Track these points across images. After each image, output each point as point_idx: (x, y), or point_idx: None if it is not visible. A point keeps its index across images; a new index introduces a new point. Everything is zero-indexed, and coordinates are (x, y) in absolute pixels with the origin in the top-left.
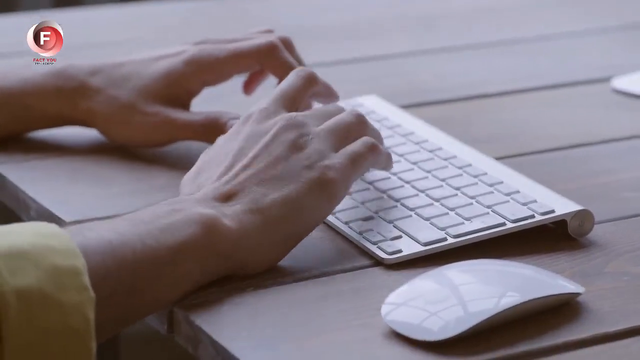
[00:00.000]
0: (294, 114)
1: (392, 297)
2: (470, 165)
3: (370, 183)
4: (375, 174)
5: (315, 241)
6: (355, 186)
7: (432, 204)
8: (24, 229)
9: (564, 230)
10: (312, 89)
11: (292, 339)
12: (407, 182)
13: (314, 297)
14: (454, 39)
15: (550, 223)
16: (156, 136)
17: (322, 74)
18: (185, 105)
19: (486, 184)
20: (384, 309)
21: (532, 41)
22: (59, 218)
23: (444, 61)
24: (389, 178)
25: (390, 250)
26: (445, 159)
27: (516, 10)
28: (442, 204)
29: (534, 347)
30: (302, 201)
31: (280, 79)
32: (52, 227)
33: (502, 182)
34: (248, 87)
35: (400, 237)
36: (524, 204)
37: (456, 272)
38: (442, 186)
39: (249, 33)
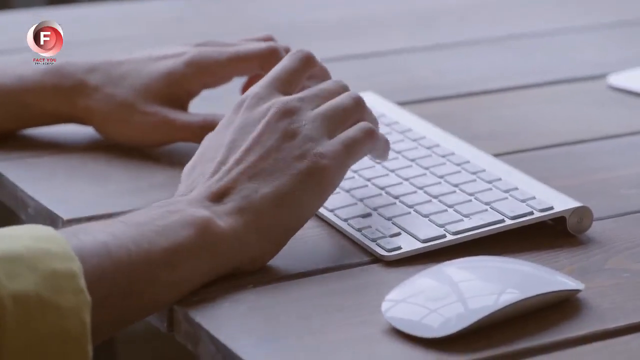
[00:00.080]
0: (286, 98)
1: (392, 294)
2: (468, 162)
3: (369, 180)
4: (373, 170)
5: (314, 238)
6: (354, 183)
7: (430, 201)
8: (20, 233)
9: (563, 227)
10: (308, 70)
11: (293, 336)
12: (406, 179)
13: (313, 294)
14: (451, 35)
15: (549, 220)
16: (154, 136)
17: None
18: (183, 107)
19: (485, 180)
20: (384, 306)
21: (528, 38)
22: (57, 216)
23: (441, 58)
24: (387, 175)
25: (389, 247)
26: (444, 156)
27: (512, 6)
28: (440, 201)
29: (535, 344)
30: (294, 194)
31: None
32: (47, 230)
33: (500, 179)
34: (247, 89)
35: (399, 234)
36: (523, 201)
37: (456, 269)
38: (440, 183)
39: (249, 38)
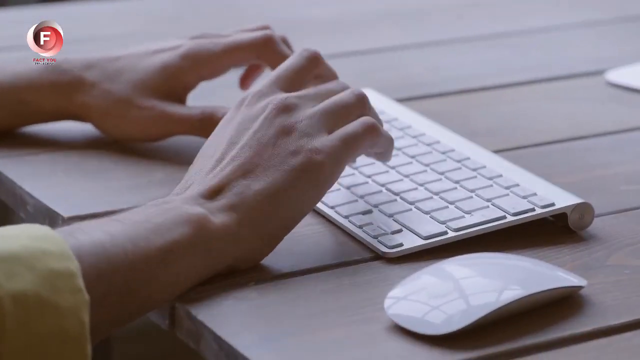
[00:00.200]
0: (284, 95)
1: (395, 291)
2: (468, 158)
3: (369, 176)
4: (374, 167)
5: (314, 235)
6: (354, 180)
7: (431, 198)
8: (17, 232)
9: (564, 223)
10: (315, 69)
11: (295, 334)
12: (406, 176)
13: (315, 292)
14: (446, 32)
15: (550, 216)
16: (152, 130)
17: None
18: (181, 100)
19: (485, 177)
20: (387, 303)
21: (525, 34)
22: (57, 214)
23: (437, 55)
24: (388, 172)
25: (390, 244)
26: (444, 153)
27: (508, 3)
28: (441, 198)
29: (539, 341)
30: (288, 190)
31: None
32: (44, 229)
33: (501, 176)
34: (244, 82)
35: (400, 230)
36: (524, 197)
37: (459, 266)
38: (441, 179)
39: (244, 28)
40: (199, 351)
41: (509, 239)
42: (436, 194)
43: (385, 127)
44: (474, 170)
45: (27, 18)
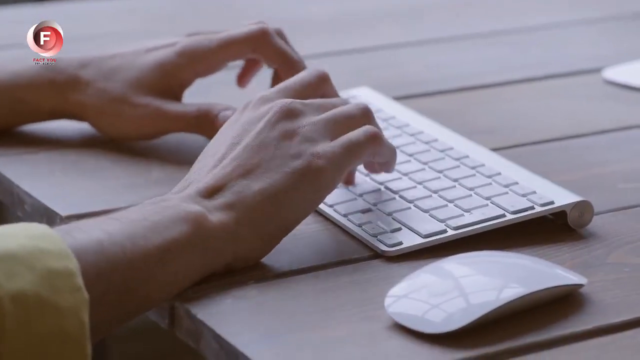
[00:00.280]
0: (289, 100)
1: (395, 290)
2: (467, 156)
3: (367, 175)
4: None
5: (314, 234)
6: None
7: (430, 196)
8: (15, 231)
9: (564, 222)
10: (322, 88)
11: (296, 333)
12: (405, 174)
13: (315, 290)
14: (443, 30)
15: (550, 214)
16: (148, 128)
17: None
18: (177, 98)
19: (484, 175)
20: (387, 301)
21: (521, 32)
22: (55, 212)
23: (434, 52)
24: None
25: (390, 242)
26: (442, 151)
27: (505, 0)
28: (440, 196)
29: (540, 339)
30: (287, 192)
31: (273, 64)
32: (42, 227)
33: (500, 174)
34: (242, 80)
35: (400, 229)
36: (523, 195)
37: (459, 264)
38: (439, 178)
39: (241, 25)
40: (199, 350)
41: (508, 237)
42: (435, 192)
43: (383, 125)
44: (473, 168)
45: (24, 17)
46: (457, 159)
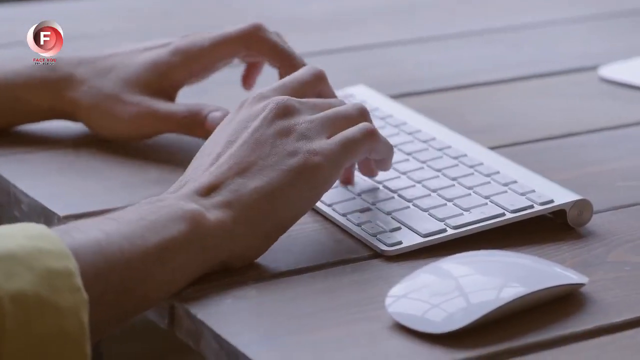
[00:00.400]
0: (285, 97)
1: (396, 289)
2: (465, 155)
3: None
4: None
5: (313, 233)
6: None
7: (429, 195)
8: (13, 231)
9: (563, 220)
10: (319, 86)
11: (296, 333)
12: (403, 173)
13: (315, 290)
14: (437, 28)
15: (549, 213)
16: (139, 127)
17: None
18: (170, 98)
19: (483, 174)
20: (388, 301)
21: (515, 30)
22: (52, 212)
23: (428, 50)
24: None
25: (390, 242)
26: (440, 149)
27: None
28: (439, 195)
29: (541, 339)
30: (284, 189)
31: (269, 59)
32: (40, 228)
33: (498, 172)
34: (246, 81)
35: (399, 228)
36: (522, 194)
37: (460, 264)
38: (438, 177)
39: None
40: (199, 350)
41: (507, 236)
42: (434, 191)
43: (380, 124)
44: (471, 167)
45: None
46: (455, 158)
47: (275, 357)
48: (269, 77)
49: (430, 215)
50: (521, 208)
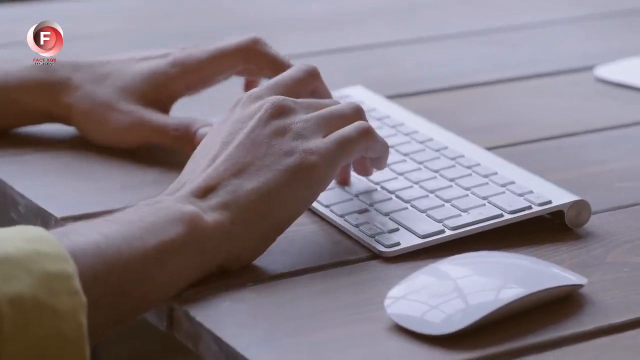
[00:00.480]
0: (281, 97)
1: (395, 291)
2: (463, 156)
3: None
4: None
5: (310, 234)
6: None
7: (427, 196)
8: (11, 234)
9: (561, 221)
10: (312, 83)
11: (296, 334)
12: (400, 174)
13: (313, 292)
14: (435, 28)
15: (547, 214)
16: (129, 137)
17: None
18: (165, 110)
19: (480, 175)
20: (387, 302)
21: (513, 30)
22: (50, 214)
23: (426, 51)
24: (382, 170)
25: (388, 243)
26: (437, 150)
27: None
28: (437, 196)
29: (541, 340)
30: (280, 189)
31: (268, 72)
32: (39, 230)
33: (496, 173)
34: (248, 86)
35: (397, 229)
36: (520, 195)
37: (459, 265)
38: (435, 177)
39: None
40: (198, 352)
41: (505, 237)
42: (431, 192)
43: (377, 124)
44: (469, 167)
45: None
46: (453, 159)
47: (275, 359)
48: None
49: (428, 216)
50: (519, 209)
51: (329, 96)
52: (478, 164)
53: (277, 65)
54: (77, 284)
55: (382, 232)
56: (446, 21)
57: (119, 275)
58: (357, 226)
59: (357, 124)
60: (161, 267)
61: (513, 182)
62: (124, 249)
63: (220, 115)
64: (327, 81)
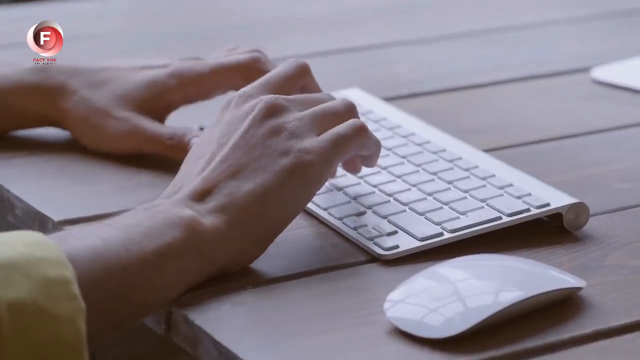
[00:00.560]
0: (273, 96)
1: (394, 294)
2: (460, 158)
3: (361, 177)
4: (365, 168)
5: (309, 238)
6: (346, 181)
7: (425, 199)
8: (11, 239)
9: (559, 224)
10: (303, 79)
11: (295, 338)
12: (398, 177)
13: (312, 295)
14: (432, 29)
15: (545, 216)
16: (123, 144)
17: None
18: (161, 119)
19: (478, 177)
20: (387, 306)
21: (508, 31)
22: (47, 217)
23: (424, 52)
24: (380, 172)
25: (387, 246)
26: (435, 152)
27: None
28: (435, 198)
29: (540, 343)
30: (277, 190)
31: None
32: (37, 235)
33: (494, 176)
34: None
35: (396, 232)
36: (519, 198)
37: (458, 268)
38: (433, 180)
39: (232, 51)
40: (197, 357)
41: (503, 240)
42: (430, 194)
43: (374, 127)
44: (467, 170)
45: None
46: (451, 161)
47: None
48: None
49: (427, 218)
50: (517, 211)
51: (319, 91)
52: (476, 167)
53: None
54: (75, 289)
55: (381, 235)
56: (445, 22)
57: (117, 280)
58: (355, 229)
59: (352, 121)
60: (160, 271)
61: (511, 185)
62: (123, 254)
63: (211, 118)
64: (325, 82)
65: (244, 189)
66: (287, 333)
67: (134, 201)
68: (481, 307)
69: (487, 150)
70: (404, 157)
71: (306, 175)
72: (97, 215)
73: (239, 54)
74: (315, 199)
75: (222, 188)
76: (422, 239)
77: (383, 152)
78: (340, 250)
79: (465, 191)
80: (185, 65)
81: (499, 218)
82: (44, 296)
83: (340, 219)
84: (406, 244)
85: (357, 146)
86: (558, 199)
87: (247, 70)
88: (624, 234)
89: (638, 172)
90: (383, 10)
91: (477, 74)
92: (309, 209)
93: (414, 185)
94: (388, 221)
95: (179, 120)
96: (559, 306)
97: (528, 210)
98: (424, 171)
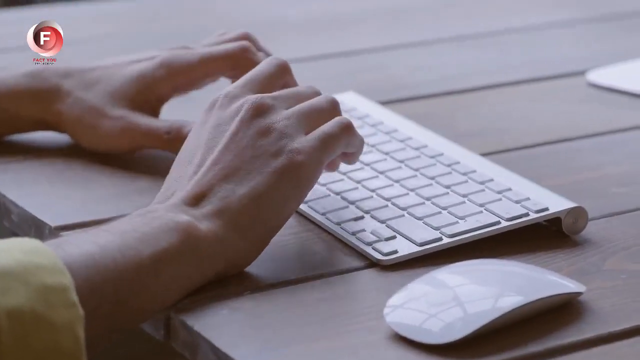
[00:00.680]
0: (259, 95)
1: (394, 299)
2: (458, 162)
3: (359, 182)
4: (363, 172)
5: (307, 243)
6: (344, 185)
7: (423, 203)
8: (8, 246)
9: (558, 228)
10: (284, 78)
11: (293, 344)
12: (396, 181)
13: (311, 300)
14: (426, 32)
15: (544, 221)
16: (121, 142)
17: (294, 71)
18: (155, 112)
19: (476, 181)
20: (386, 311)
21: (504, 34)
22: (43, 223)
23: (418, 55)
24: (377, 177)
25: (385, 251)
26: (433, 157)
27: (489, 2)
28: (433, 203)
29: (541, 349)
30: (271, 192)
31: None
32: (34, 242)
33: (492, 180)
34: None
35: (394, 237)
36: (517, 202)
37: (458, 273)
38: (431, 184)
39: (223, 37)
40: None
41: (502, 244)
42: (428, 199)
43: (371, 131)
44: (465, 174)
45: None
46: (448, 165)
47: None
48: None
49: (425, 223)
50: (516, 216)
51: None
52: (474, 171)
53: None
54: (74, 296)
55: (379, 240)
56: (441, 25)
57: (114, 286)
58: (353, 234)
59: (338, 119)
60: (156, 277)
61: (509, 189)
62: (119, 260)
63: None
64: (321, 85)
65: (239, 192)
66: (286, 339)
67: (130, 206)
68: (481, 312)
69: (483, 154)
70: (401, 161)
71: (298, 176)
72: (93, 220)
73: (228, 43)
74: (313, 204)
75: (216, 192)
76: (421, 244)
77: (381, 156)
78: (338, 255)
79: (464, 196)
80: (172, 55)
81: (498, 223)
82: (42, 304)
83: (338, 224)
84: (405, 249)
85: (345, 144)
86: (557, 204)
87: (236, 60)
88: (623, 238)
89: (635, 176)
90: (379, 14)
91: (473, 77)
92: (307, 214)
93: (412, 190)
94: (386, 226)
95: (176, 114)
96: (558, 311)
97: (527, 214)
98: (422, 175)
